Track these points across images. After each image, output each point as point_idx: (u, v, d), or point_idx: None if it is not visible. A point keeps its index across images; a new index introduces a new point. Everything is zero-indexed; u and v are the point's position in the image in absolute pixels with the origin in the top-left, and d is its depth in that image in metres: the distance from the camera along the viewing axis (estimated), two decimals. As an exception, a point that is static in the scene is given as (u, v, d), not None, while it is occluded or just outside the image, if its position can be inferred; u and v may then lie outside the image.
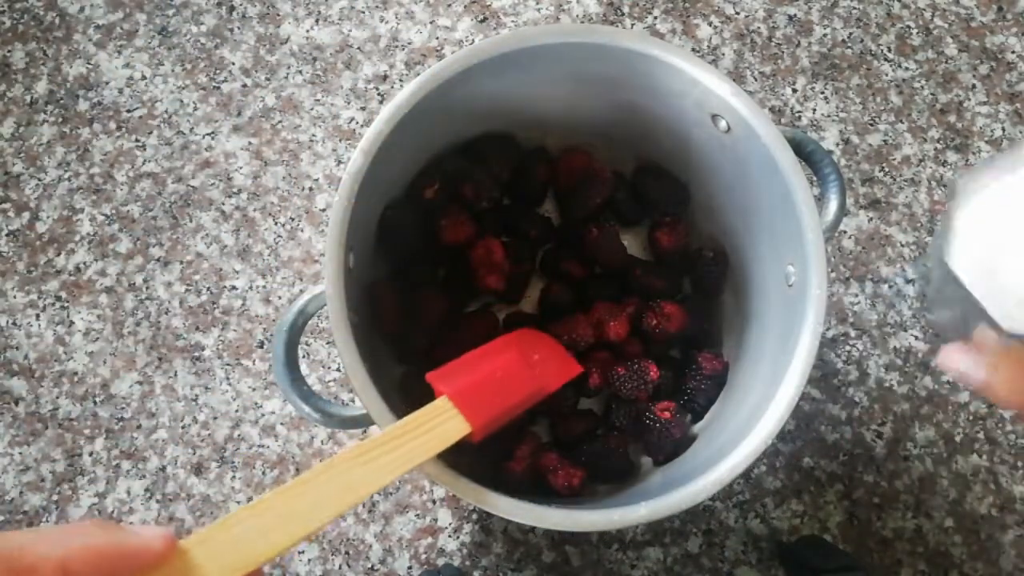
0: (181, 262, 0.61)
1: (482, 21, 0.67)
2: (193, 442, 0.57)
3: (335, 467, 0.33)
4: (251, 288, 0.60)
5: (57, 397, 0.58)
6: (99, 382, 0.59)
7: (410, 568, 0.55)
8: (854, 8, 0.67)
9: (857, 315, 0.60)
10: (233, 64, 0.66)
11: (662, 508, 0.39)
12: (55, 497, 0.56)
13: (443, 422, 0.38)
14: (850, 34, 0.67)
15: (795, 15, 0.67)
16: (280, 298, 0.60)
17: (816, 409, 0.58)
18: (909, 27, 0.67)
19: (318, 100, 0.65)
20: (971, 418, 0.58)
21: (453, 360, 0.42)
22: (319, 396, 0.43)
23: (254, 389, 0.58)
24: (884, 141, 0.64)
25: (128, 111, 0.65)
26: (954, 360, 0.33)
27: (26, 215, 0.62)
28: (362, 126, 0.64)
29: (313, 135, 0.64)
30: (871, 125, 0.65)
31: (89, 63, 0.66)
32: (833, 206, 0.46)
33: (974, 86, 0.66)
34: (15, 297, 0.61)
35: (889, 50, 0.66)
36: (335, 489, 0.32)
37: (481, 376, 0.42)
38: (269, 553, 0.29)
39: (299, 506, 0.31)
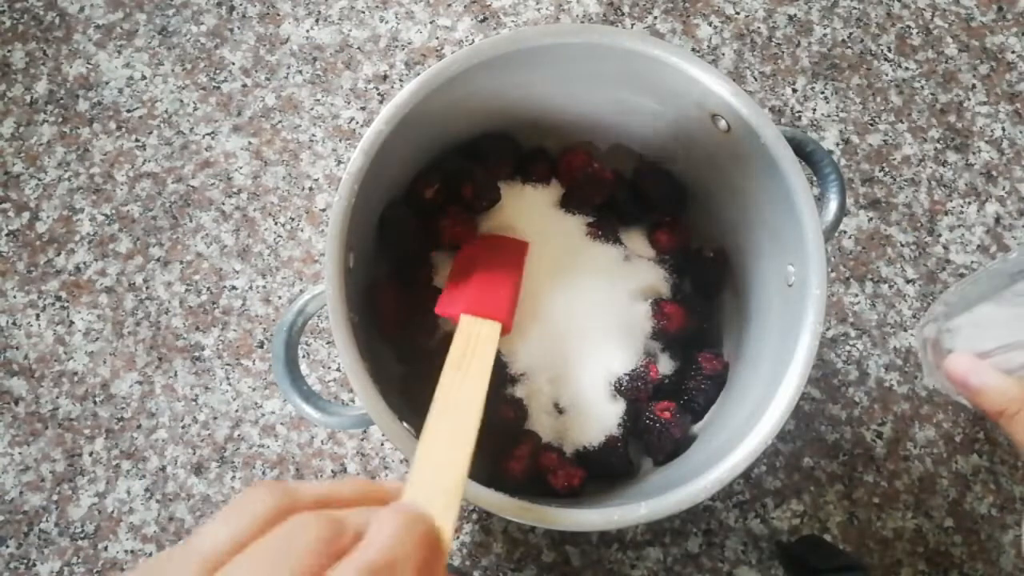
0: (181, 262, 0.61)
1: (482, 21, 0.67)
2: (193, 442, 0.57)
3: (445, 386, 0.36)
4: (251, 288, 0.60)
5: (57, 397, 0.58)
6: (99, 382, 0.59)
7: (410, 568, 0.55)
8: (854, 8, 0.67)
9: (857, 315, 0.60)
10: (233, 64, 0.66)
11: (662, 508, 0.39)
12: (55, 497, 0.56)
13: (478, 332, 0.41)
14: (850, 34, 0.67)
15: (795, 15, 0.67)
16: (280, 298, 0.60)
17: (816, 409, 0.58)
18: (909, 27, 0.67)
19: (318, 100, 0.65)
20: (971, 418, 0.58)
21: (446, 289, 0.46)
22: (319, 396, 0.43)
23: (254, 389, 0.58)
24: (884, 141, 0.64)
25: (128, 111, 0.65)
26: (960, 363, 0.40)
27: (26, 215, 0.62)
28: (362, 126, 0.64)
29: (313, 135, 0.64)
30: (871, 125, 0.65)
31: (89, 63, 0.66)
32: (833, 206, 0.46)
33: (974, 86, 0.66)
34: (15, 297, 0.61)
35: (889, 50, 0.66)
36: (463, 398, 0.36)
37: (479, 282, 0.45)
38: (463, 463, 0.31)
39: (450, 425, 0.33)
